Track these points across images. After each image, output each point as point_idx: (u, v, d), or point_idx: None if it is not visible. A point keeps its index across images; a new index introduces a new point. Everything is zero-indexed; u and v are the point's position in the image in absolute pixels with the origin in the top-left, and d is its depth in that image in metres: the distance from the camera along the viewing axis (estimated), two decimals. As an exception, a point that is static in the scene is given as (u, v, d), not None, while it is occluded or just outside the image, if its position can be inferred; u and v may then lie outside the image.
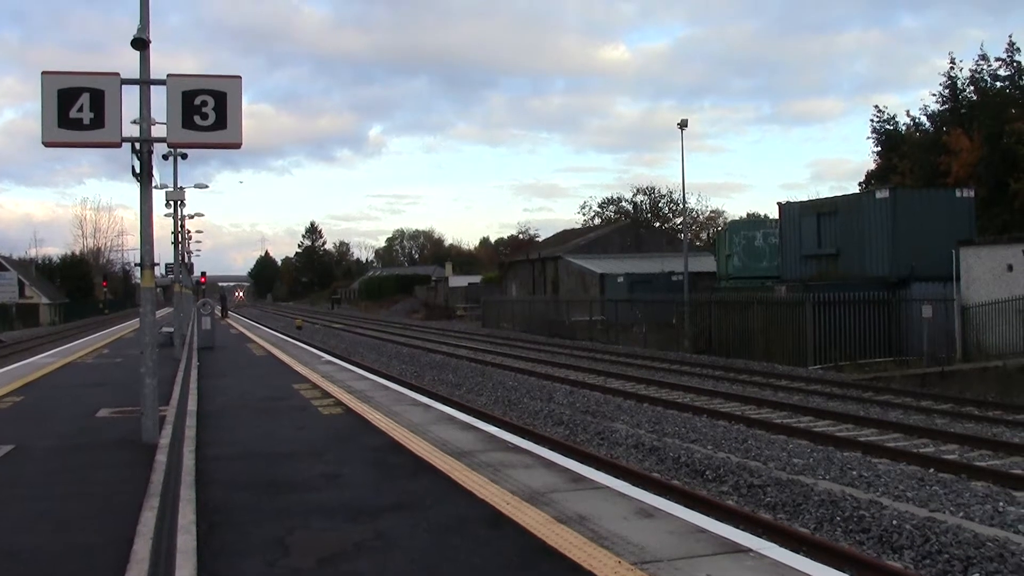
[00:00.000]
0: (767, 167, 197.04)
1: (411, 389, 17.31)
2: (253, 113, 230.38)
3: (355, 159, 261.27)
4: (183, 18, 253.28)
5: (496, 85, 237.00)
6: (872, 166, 49.43)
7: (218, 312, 48.45)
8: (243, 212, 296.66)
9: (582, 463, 9.33)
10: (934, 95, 45.66)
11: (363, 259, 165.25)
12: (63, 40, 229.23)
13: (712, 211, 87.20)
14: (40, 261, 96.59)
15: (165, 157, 23.95)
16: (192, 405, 13.13)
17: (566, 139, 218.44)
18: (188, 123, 9.87)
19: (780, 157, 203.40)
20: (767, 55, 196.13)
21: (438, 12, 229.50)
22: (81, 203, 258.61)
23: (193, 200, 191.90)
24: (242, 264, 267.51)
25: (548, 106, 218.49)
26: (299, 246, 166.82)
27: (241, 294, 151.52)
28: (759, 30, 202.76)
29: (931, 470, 12.05)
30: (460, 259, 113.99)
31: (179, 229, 28.79)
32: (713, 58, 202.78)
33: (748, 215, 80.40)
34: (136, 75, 10.12)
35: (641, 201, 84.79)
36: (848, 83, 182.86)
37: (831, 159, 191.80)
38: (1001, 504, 10.20)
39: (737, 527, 7.28)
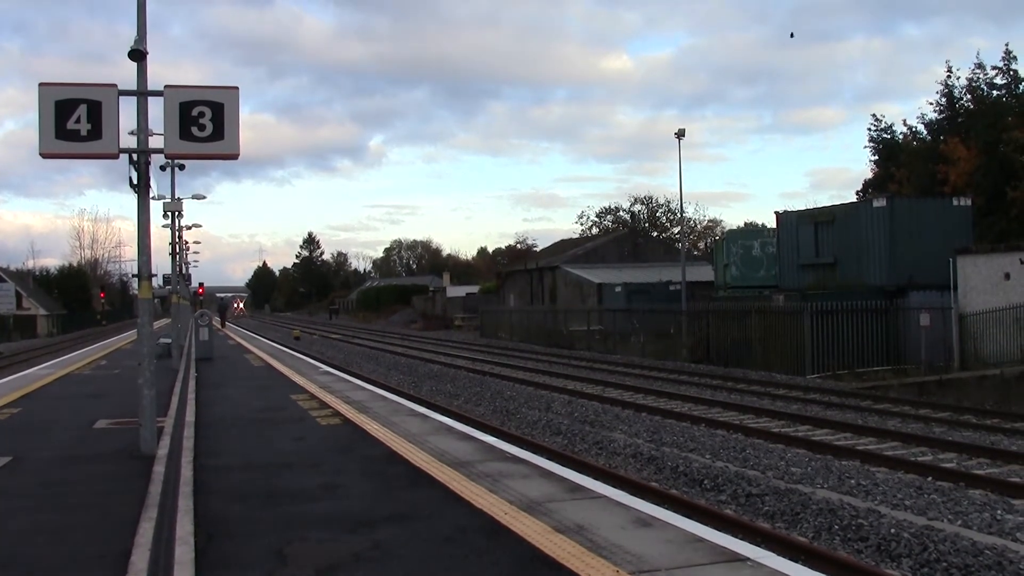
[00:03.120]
0: (767, 176, 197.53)
1: (409, 399, 17.31)
2: (254, 124, 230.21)
3: (355, 169, 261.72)
4: (185, 29, 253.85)
5: (497, 95, 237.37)
6: (870, 175, 49.53)
7: (216, 322, 48.40)
8: (242, 223, 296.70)
9: (580, 473, 9.34)
10: (931, 104, 45.77)
11: (361, 269, 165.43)
12: (65, 51, 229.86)
13: (710, 220, 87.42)
14: (38, 272, 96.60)
15: (163, 168, 23.99)
16: (190, 416, 13.12)
17: (567, 148, 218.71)
18: (186, 134, 9.89)
19: (780, 166, 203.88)
20: (770, 64, 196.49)
21: (440, 22, 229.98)
22: (79, 214, 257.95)
23: (192, 211, 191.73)
24: (241, 275, 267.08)
25: (549, 115, 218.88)
26: (297, 257, 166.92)
27: (241, 305, 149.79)
28: (762, 39, 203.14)
29: (929, 478, 12.05)
30: (458, 269, 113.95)
31: (177, 240, 28.81)
32: (716, 67, 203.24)
33: (746, 224, 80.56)
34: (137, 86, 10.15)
35: (639, 211, 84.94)
36: (850, 92, 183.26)
37: (831, 168, 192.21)
38: (999, 512, 10.20)
39: (735, 536, 7.27)
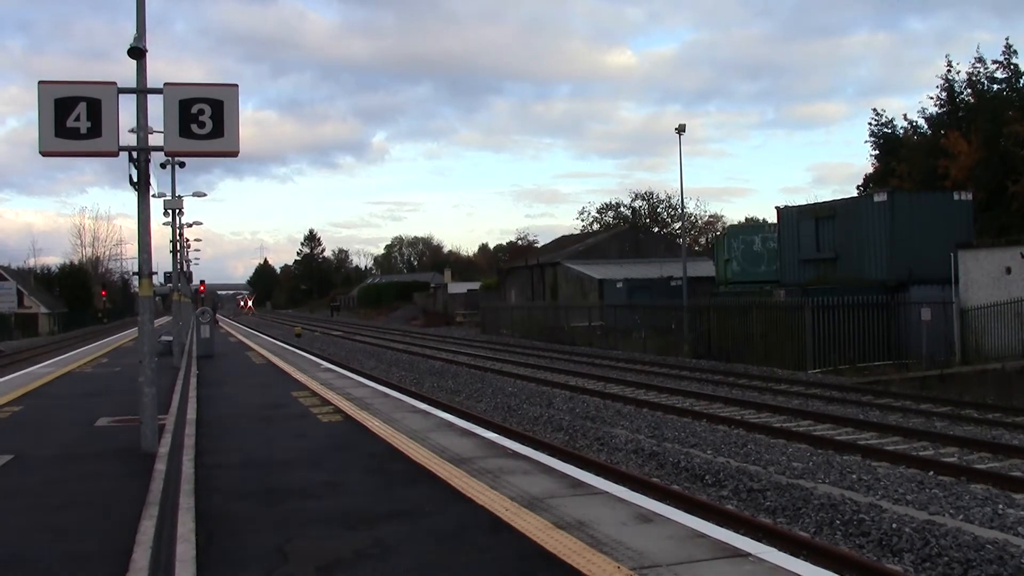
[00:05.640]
0: (768, 171, 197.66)
1: (410, 396, 17.31)
2: (257, 121, 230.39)
3: (357, 166, 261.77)
4: (188, 25, 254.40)
5: (500, 91, 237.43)
6: (870, 169, 49.50)
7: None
8: (244, 220, 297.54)
9: (581, 469, 9.34)
10: (932, 98, 45.74)
11: (362, 266, 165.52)
12: (68, 48, 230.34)
13: (711, 216, 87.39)
14: (39, 271, 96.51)
15: (163, 166, 23.97)
16: (191, 414, 13.13)
17: (569, 144, 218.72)
18: (185, 132, 9.88)
19: (782, 161, 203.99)
20: (774, 59, 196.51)
21: (444, 18, 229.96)
22: (80, 212, 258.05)
23: (194, 208, 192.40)
24: (242, 272, 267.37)
25: (552, 112, 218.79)
26: (298, 254, 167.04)
27: (250, 303, 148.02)
28: (766, 34, 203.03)
29: (931, 473, 12.05)
30: (459, 266, 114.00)
31: (177, 238, 28.80)
32: (720, 62, 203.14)
33: (747, 219, 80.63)
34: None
35: (640, 206, 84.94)
36: (853, 87, 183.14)
37: (833, 163, 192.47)
38: (1001, 506, 10.20)
39: (737, 531, 7.29)
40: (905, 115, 63.30)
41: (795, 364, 26.85)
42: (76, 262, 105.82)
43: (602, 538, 6.24)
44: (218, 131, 9.90)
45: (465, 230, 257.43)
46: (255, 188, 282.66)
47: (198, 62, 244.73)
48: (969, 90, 43.16)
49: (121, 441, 11.17)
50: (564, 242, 73.23)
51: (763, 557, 5.79)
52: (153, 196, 14.01)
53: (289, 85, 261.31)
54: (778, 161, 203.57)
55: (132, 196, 10.31)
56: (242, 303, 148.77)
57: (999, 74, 41.64)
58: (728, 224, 73.61)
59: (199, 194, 31.53)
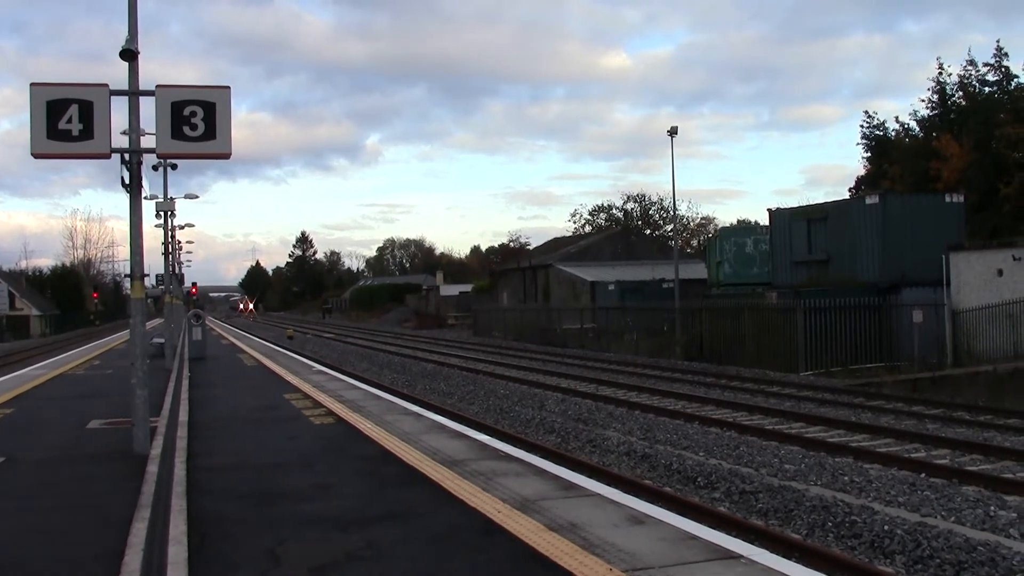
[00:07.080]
0: (762, 173, 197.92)
1: (403, 398, 17.28)
2: (251, 122, 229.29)
3: (351, 168, 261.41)
4: (183, 27, 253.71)
5: (495, 93, 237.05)
6: (863, 172, 49.62)
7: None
8: (237, 222, 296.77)
9: (574, 471, 9.34)
10: (923, 100, 45.89)
11: (354, 268, 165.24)
12: (63, 50, 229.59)
13: (703, 218, 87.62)
14: (31, 273, 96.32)
15: (155, 168, 23.93)
16: (183, 416, 13.09)
17: (563, 147, 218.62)
18: (177, 134, 9.88)
19: (775, 163, 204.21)
20: (769, 61, 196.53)
21: (440, 20, 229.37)
22: (72, 214, 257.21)
23: (187, 210, 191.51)
24: (235, 274, 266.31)
25: (547, 114, 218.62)
26: (290, 256, 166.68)
27: (251, 306, 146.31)
28: (762, 36, 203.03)
29: (922, 475, 12.08)
30: (451, 268, 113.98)
31: (169, 240, 28.74)
32: (714, 64, 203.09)
33: (739, 221, 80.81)
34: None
35: (632, 208, 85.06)
36: (848, 89, 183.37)
37: (826, 165, 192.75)
38: (992, 508, 10.23)
39: (729, 533, 7.30)
40: (897, 117, 63.45)
41: (787, 366, 26.90)
42: (68, 264, 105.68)
43: (594, 540, 6.25)
44: (210, 133, 9.91)
45: (458, 232, 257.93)
46: (248, 190, 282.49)
47: (193, 64, 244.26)
48: (960, 92, 43.32)
49: (113, 443, 11.14)
50: (556, 244, 73.29)
51: (755, 559, 5.80)
52: (145, 198, 14.02)
53: (284, 87, 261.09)
54: (772, 163, 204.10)
55: (124, 198, 10.31)
56: (241, 306, 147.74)
57: (990, 76, 41.83)
58: (720, 226, 73.77)
59: (191, 196, 31.49)
